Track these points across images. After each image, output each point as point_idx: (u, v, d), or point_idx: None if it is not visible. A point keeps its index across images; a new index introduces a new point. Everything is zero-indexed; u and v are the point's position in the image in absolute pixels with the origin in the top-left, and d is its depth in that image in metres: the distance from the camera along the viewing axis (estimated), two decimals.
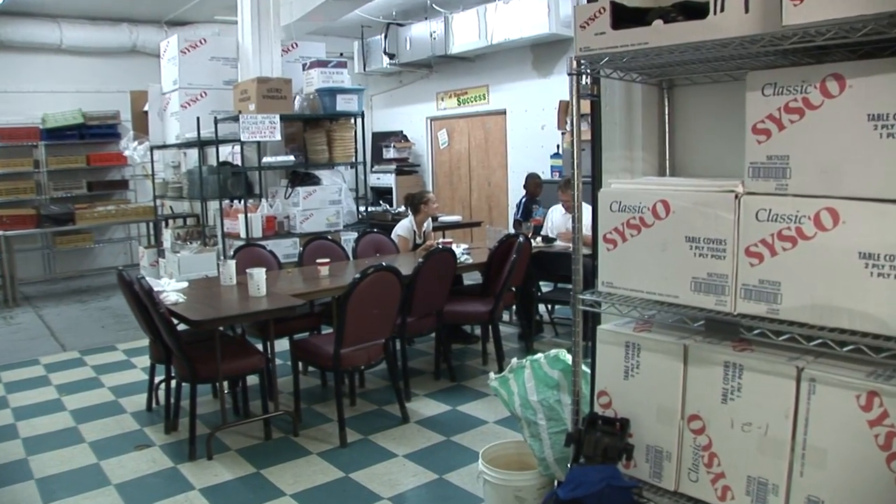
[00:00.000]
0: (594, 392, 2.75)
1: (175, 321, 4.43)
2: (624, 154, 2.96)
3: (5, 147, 10.16)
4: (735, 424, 2.28)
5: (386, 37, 11.03)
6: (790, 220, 2.08)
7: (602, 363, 2.70)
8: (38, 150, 10.38)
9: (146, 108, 8.79)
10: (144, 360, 6.33)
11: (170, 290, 4.83)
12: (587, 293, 2.67)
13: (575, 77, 2.54)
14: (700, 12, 2.12)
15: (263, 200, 7.31)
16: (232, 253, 5.97)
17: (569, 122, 8.79)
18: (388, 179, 11.64)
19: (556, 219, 7.11)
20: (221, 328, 4.72)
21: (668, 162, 2.92)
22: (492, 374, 3.43)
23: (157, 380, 5.28)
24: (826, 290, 2.03)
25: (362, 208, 8.01)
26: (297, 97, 7.39)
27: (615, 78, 2.70)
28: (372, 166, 11.87)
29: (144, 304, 4.54)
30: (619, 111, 2.97)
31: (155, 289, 4.65)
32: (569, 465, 2.69)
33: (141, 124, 9.13)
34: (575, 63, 2.52)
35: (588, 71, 2.57)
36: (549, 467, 3.19)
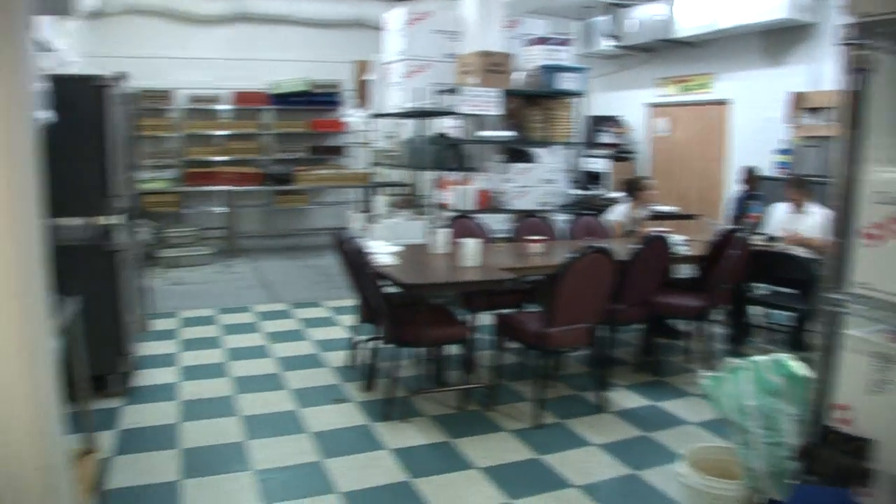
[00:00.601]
0: (825, 405, 2.45)
1: (383, 284, 4.47)
2: (891, 142, 2.61)
3: (239, 110, 10.83)
4: None
5: (611, 18, 10.73)
6: None
7: (844, 373, 2.41)
8: (266, 114, 10.95)
9: (367, 78, 9.02)
10: (347, 319, 6.52)
11: (382, 252, 4.89)
12: (836, 293, 2.38)
13: (847, 48, 2.26)
14: None
15: (478, 174, 7.29)
16: (446, 223, 6.00)
17: (802, 115, 8.19)
18: (601, 164, 11.35)
19: (779, 217, 6.60)
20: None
21: None
22: (704, 373, 3.18)
23: (357, 338, 5.39)
24: None
25: (575, 190, 7.83)
26: (517, 73, 7.31)
27: (890, 52, 2.38)
28: (586, 149, 11.63)
29: (356, 263, 4.62)
30: (888, 90, 2.61)
31: (368, 251, 4.73)
32: (790, 482, 2.43)
33: (361, 93, 9.40)
34: (848, 31, 2.22)
35: (863, 41, 2.27)
36: (756, 480, 2.92)
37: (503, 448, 4.16)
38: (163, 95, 10.28)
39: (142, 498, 3.58)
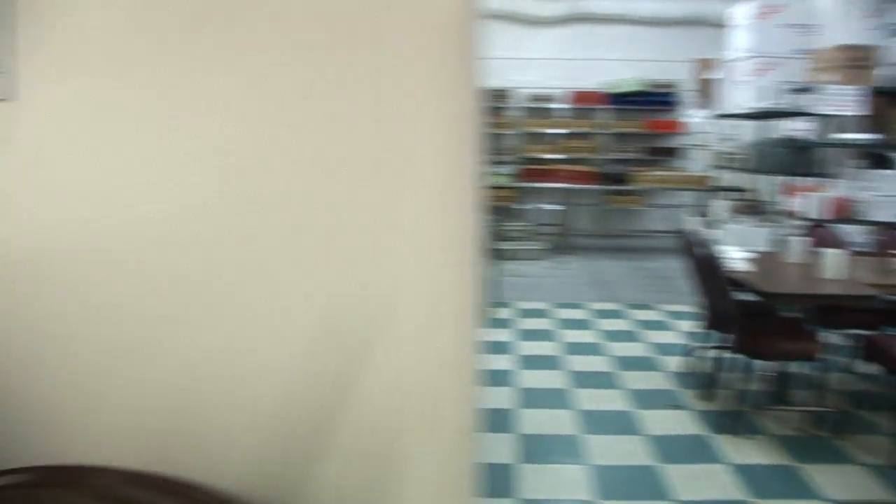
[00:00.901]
0: None
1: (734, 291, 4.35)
2: None
3: (575, 109, 11.04)
4: None
5: None
6: None
7: None
8: (601, 114, 11.05)
9: (708, 77, 8.75)
10: (683, 324, 6.43)
11: (736, 258, 4.77)
12: None
13: None
14: None
15: (832, 180, 6.79)
16: (804, 231, 5.70)
17: None
18: None
19: None
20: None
21: None
22: None
23: (696, 345, 5.28)
24: None
25: None
26: (882, 69, 6.69)
27: None
28: None
29: (707, 268, 4.52)
30: None
31: (722, 256, 4.64)
32: None
33: (703, 93, 9.15)
34: None
35: None
36: None
37: (857, 483, 3.83)
38: (502, 94, 10.81)
39: (482, 475, 3.81)
